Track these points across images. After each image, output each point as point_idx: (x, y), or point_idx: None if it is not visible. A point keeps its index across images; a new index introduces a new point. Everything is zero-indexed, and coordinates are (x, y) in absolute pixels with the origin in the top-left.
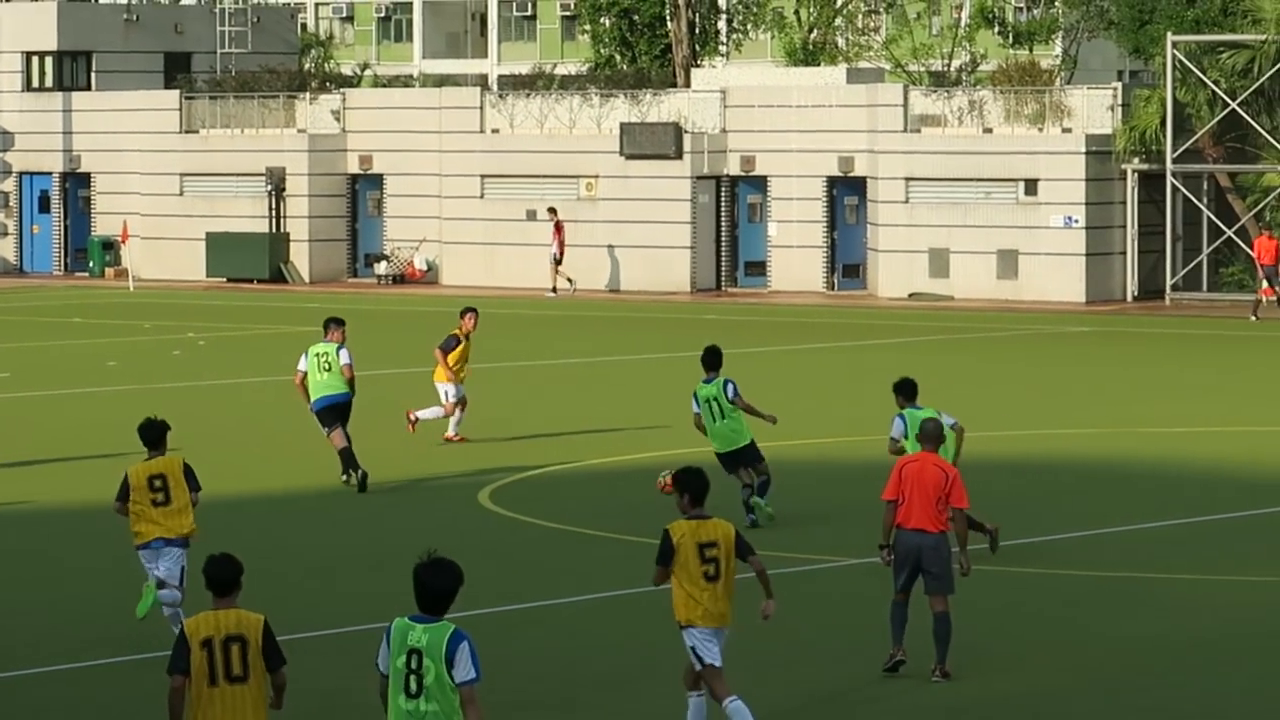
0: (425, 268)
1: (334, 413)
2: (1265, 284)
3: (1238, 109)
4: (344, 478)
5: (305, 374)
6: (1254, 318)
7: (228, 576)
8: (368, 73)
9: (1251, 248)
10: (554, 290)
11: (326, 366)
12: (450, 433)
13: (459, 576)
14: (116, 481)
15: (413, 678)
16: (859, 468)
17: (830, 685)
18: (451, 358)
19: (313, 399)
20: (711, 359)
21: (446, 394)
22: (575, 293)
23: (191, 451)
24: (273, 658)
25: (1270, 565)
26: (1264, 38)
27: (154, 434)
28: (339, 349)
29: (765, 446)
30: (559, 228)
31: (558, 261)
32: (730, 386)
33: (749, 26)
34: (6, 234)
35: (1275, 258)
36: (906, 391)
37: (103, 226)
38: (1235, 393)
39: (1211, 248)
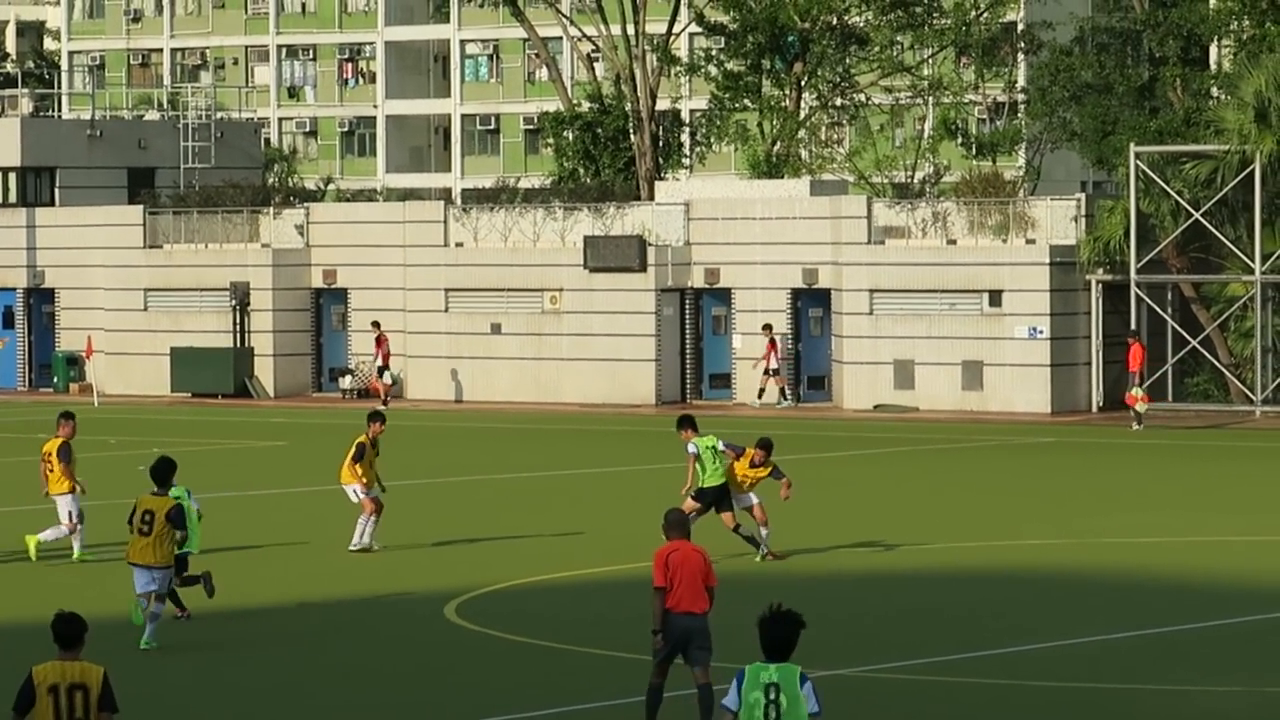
0: (390, 382)
1: None
2: (1136, 390)
3: (1201, 219)
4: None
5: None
6: (1137, 426)
7: (73, 633)
8: (331, 187)
9: (1216, 358)
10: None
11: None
12: (363, 541)
13: (799, 623)
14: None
15: (771, 707)
16: (816, 579)
17: None
18: (360, 466)
19: None
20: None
21: (355, 493)
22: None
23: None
24: (106, 704)
25: (1235, 676)
26: (1227, 148)
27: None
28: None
29: (726, 562)
30: (381, 340)
31: (380, 373)
32: (721, 443)
33: (712, 139)
34: None
35: (1139, 364)
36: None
37: (67, 342)
38: (1201, 503)
39: (1176, 358)
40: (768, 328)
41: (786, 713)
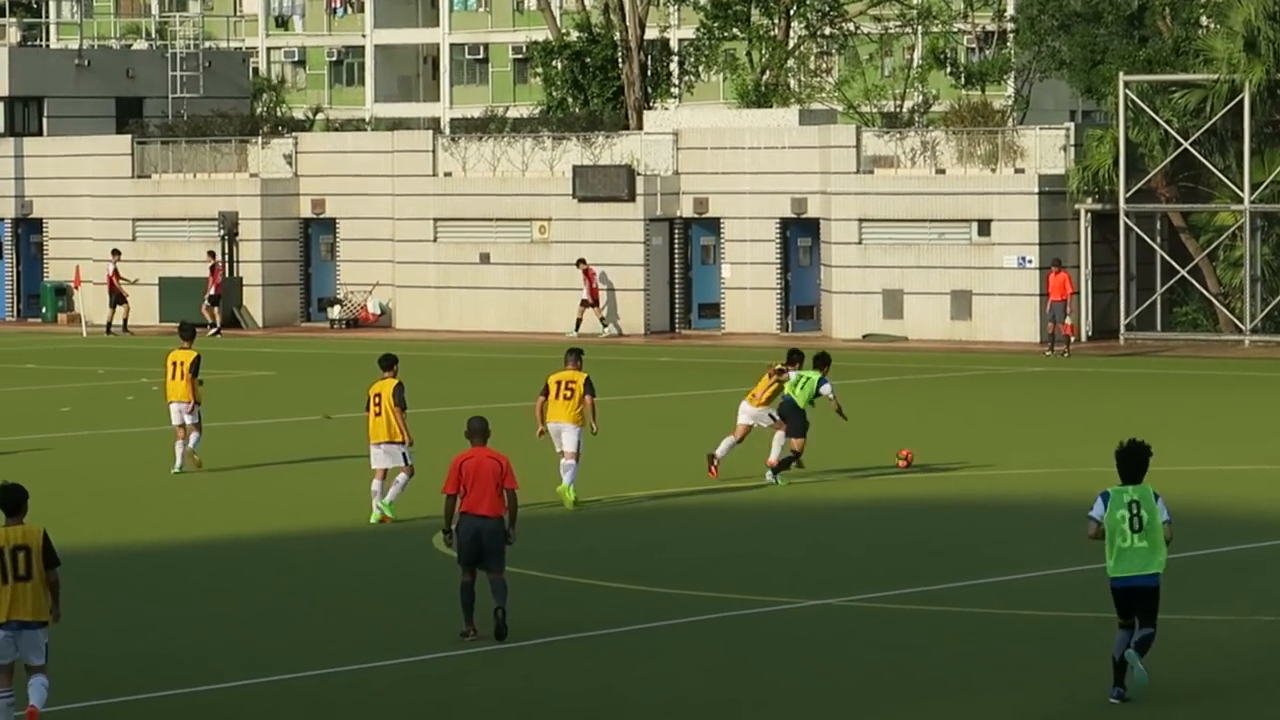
0: (378, 311)
1: None
2: (1068, 321)
3: (1190, 149)
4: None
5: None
6: (1051, 353)
7: (13, 500)
8: (320, 117)
9: (1205, 288)
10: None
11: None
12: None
13: (1149, 451)
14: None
15: (1134, 520)
16: (815, 508)
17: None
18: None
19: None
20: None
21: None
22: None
23: (147, 495)
24: (49, 559)
25: (1224, 604)
26: (1216, 77)
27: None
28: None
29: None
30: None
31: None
32: (828, 385)
33: (701, 69)
34: None
35: (1064, 293)
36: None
37: (55, 272)
38: (1189, 432)
39: (1165, 287)
40: (581, 261)
41: (1148, 523)
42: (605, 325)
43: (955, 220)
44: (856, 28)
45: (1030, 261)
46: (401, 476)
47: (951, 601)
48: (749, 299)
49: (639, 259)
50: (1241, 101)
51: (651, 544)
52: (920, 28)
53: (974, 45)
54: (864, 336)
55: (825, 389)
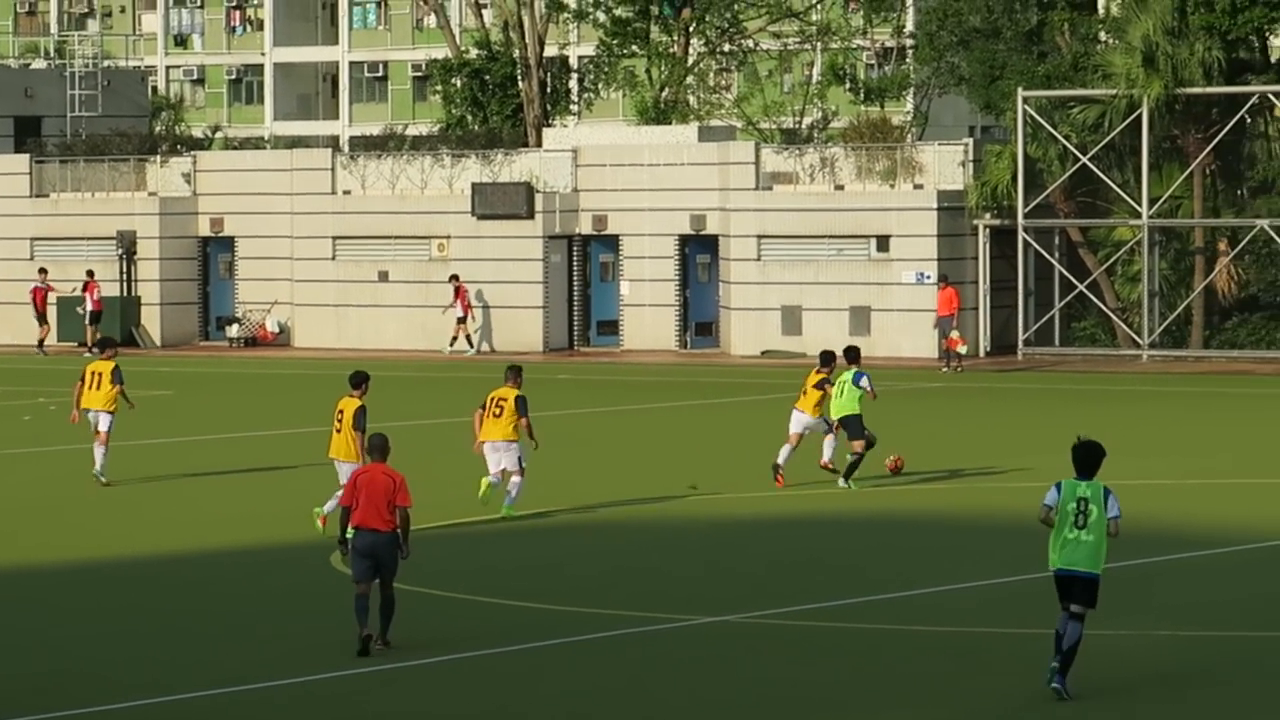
0: (277, 330)
1: None
2: (955, 334)
3: (1089, 164)
4: None
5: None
6: (947, 369)
7: None
8: (219, 135)
9: (1103, 302)
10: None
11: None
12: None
13: (1102, 450)
14: None
15: (1080, 515)
16: (714, 525)
17: None
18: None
19: None
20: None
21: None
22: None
23: (42, 516)
24: None
25: (1126, 618)
26: (1114, 92)
27: None
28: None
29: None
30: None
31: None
32: (864, 378)
33: (600, 86)
34: None
35: (951, 308)
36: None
37: None
38: None
39: (1063, 302)
40: (454, 277)
41: (1094, 520)
42: (470, 345)
43: (854, 236)
44: (756, 44)
45: (929, 277)
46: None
47: (849, 618)
48: (648, 316)
49: (538, 276)
50: (1140, 117)
51: (550, 561)
52: (819, 44)
53: (873, 61)
54: (762, 353)
55: (863, 382)
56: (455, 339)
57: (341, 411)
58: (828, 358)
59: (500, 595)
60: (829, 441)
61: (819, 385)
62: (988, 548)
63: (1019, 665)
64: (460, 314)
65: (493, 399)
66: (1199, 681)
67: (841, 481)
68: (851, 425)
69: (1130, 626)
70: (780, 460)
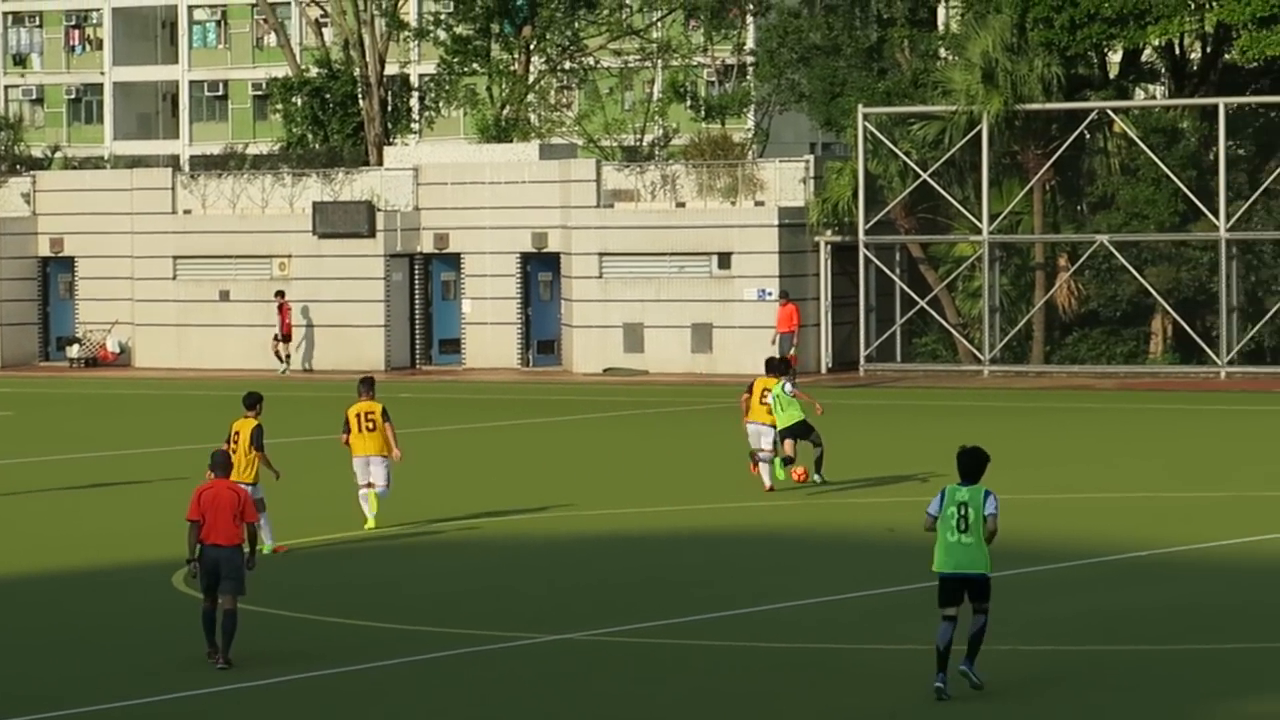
0: (118, 350)
1: None
2: (792, 352)
3: (929, 180)
4: None
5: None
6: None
7: None
8: (58, 155)
9: (944, 318)
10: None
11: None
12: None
13: (986, 456)
14: None
15: (961, 519)
16: (557, 543)
17: None
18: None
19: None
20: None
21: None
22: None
23: None
24: None
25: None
26: (954, 109)
27: None
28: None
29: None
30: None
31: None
32: (789, 385)
33: (441, 104)
34: None
35: (791, 325)
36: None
37: None
38: (928, 462)
39: (904, 318)
40: (280, 294)
41: (974, 523)
42: (287, 364)
43: (695, 253)
44: (596, 62)
45: (770, 294)
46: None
47: (692, 635)
48: (489, 334)
49: (379, 295)
50: (980, 133)
51: (394, 580)
52: (660, 62)
53: (714, 79)
54: (605, 371)
55: (786, 388)
56: (281, 356)
57: (238, 433)
58: (776, 365)
59: (344, 614)
60: (765, 470)
61: (752, 394)
62: (831, 563)
63: (864, 681)
64: (280, 332)
65: (359, 414)
66: (1044, 696)
67: (815, 476)
68: (803, 429)
69: (997, 642)
70: (773, 470)
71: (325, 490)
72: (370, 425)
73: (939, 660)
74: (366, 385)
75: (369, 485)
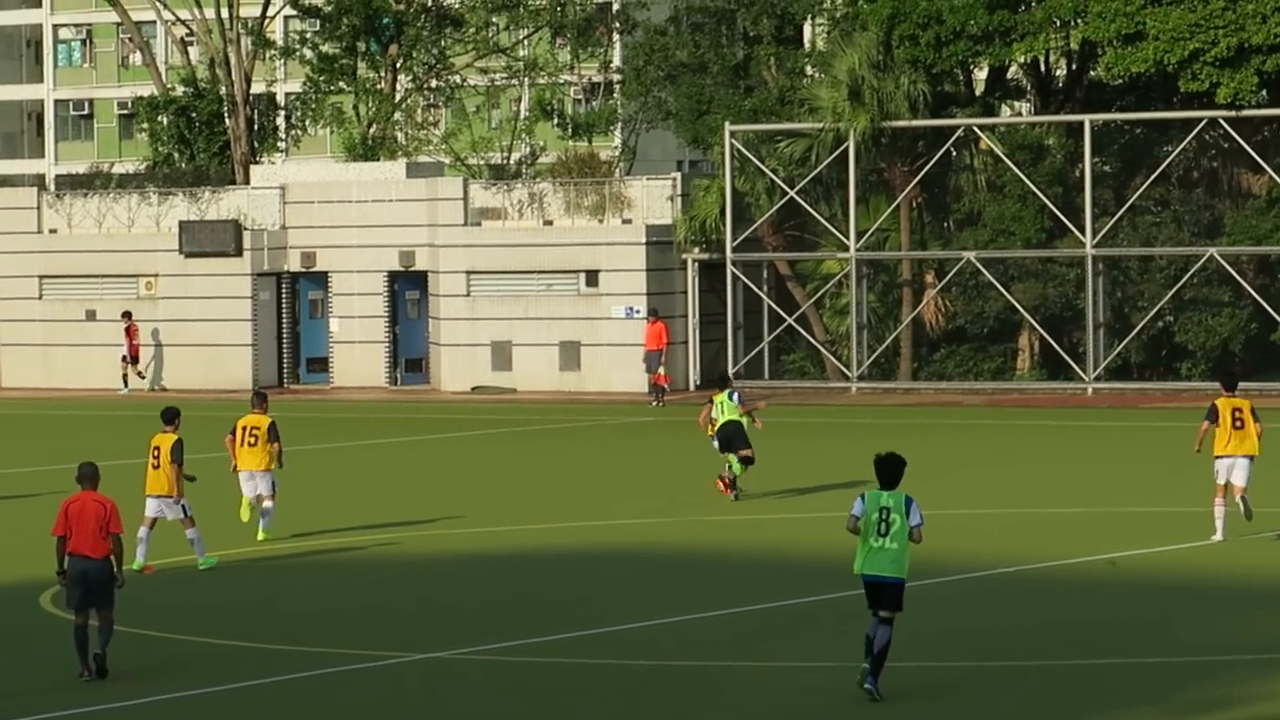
0: None
1: None
2: (661, 370)
3: (796, 197)
4: None
5: None
6: (656, 404)
7: None
8: None
9: (812, 335)
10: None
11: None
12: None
13: (903, 461)
14: None
15: (883, 524)
16: (427, 562)
17: None
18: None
19: None
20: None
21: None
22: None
23: None
24: None
25: (831, 651)
26: (821, 126)
27: None
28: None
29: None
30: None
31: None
32: (737, 395)
33: (307, 122)
34: None
35: (660, 343)
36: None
37: None
38: (796, 479)
39: (773, 335)
40: (127, 314)
41: (896, 529)
42: (133, 380)
43: (563, 271)
44: (463, 80)
45: (638, 312)
46: (189, 532)
47: (565, 653)
48: (357, 353)
49: (246, 314)
50: (846, 150)
51: (263, 598)
52: (527, 80)
53: (581, 97)
54: (473, 389)
55: (734, 398)
56: (140, 375)
57: (158, 448)
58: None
59: (212, 633)
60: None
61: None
62: (703, 582)
63: (737, 696)
64: (126, 352)
65: (245, 427)
66: (919, 713)
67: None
68: (737, 435)
69: (838, 659)
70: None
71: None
72: (253, 440)
73: (866, 650)
74: (259, 399)
75: (258, 498)
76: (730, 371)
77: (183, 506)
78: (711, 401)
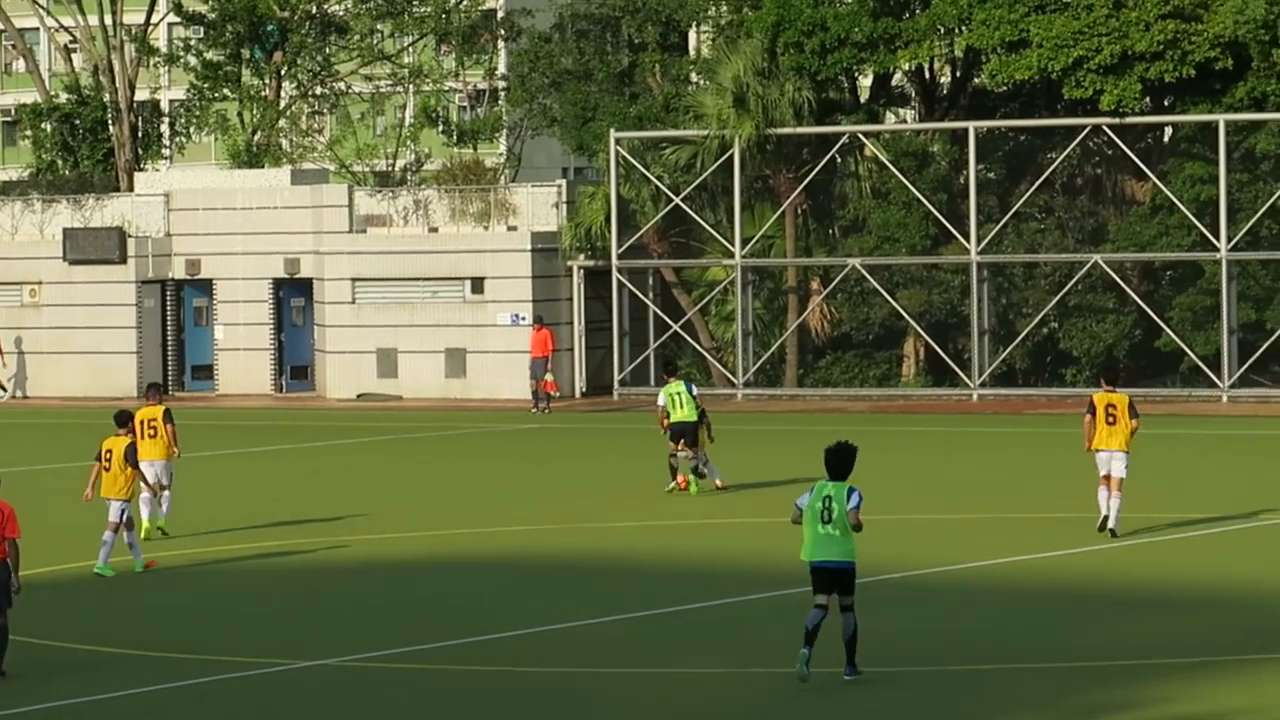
0: None
1: None
2: (549, 377)
3: (681, 204)
4: None
5: None
6: (536, 410)
7: None
8: None
9: (698, 342)
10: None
11: None
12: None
13: (853, 451)
14: None
15: (826, 512)
16: (312, 568)
17: None
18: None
19: None
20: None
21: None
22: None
23: None
24: None
25: (725, 657)
26: (706, 133)
27: None
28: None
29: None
30: None
31: None
32: (692, 387)
33: (192, 129)
34: None
35: (545, 350)
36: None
37: None
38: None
39: (658, 342)
40: None
41: (838, 516)
42: (5, 390)
43: (449, 278)
44: (348, 87)
45: (523, 319)
46: (107, 534)
47: (454, 659)
48: (243, 360)
49: (131, 321)
50: (731, 157)
51: (148, 606)
52: (412, 86)
53: (466, 104)
54: (359, 396)
55: (691, 390)
56: (2, 388)
57: (110, 451)
58: (668, 368)
59: (97, 641)
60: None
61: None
62: (589, 588)
63: (617, 705)
64: None
65: (143, 421)
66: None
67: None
68: (690, 432)
69: (721, 665)
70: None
71: (70, 519)
72: (152, 431)
73: (805, 638)
74: (153, 390)
75: (162, 487)
76: (617, 379)
77: (123, 511)
78: (664, 393)
